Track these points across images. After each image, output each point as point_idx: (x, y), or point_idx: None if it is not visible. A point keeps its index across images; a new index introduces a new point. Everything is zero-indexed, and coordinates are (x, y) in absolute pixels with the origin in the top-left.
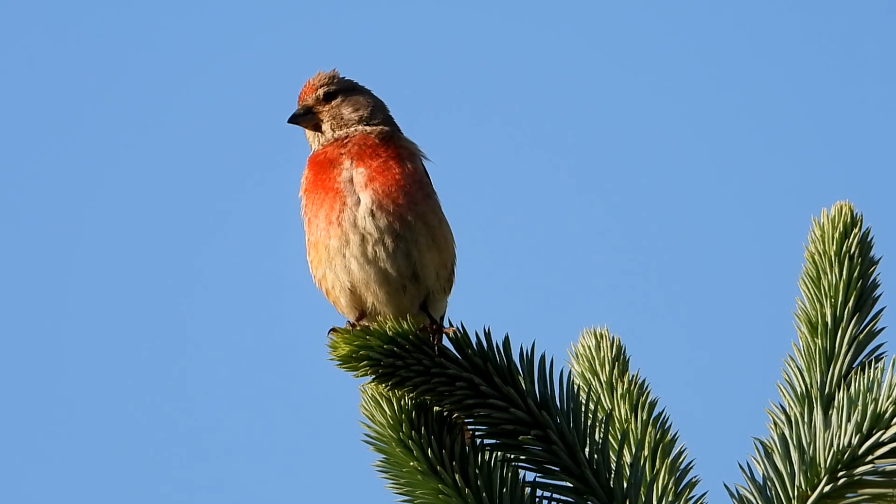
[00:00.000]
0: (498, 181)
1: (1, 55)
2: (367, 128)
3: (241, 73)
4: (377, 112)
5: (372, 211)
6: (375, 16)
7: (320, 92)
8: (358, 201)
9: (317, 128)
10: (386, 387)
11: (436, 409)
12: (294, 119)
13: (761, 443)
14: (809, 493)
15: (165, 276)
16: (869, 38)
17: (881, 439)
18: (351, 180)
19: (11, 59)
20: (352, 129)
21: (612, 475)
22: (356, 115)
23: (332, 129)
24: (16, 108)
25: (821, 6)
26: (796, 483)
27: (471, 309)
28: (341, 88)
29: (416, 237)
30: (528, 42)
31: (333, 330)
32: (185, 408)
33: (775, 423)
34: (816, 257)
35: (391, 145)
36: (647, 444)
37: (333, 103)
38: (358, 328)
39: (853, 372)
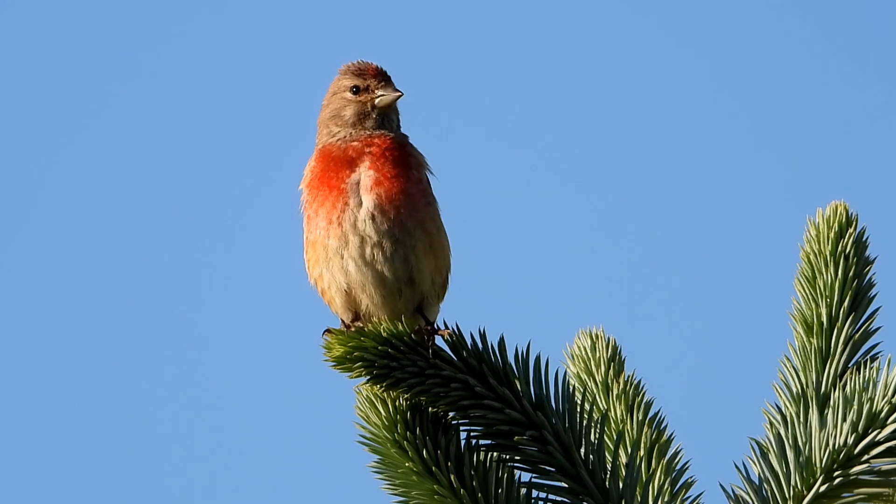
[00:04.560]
0: (494, 181)
1: (10, 58)
2: (391, 133)
3: (248, 76)
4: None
5: (373, 214)
6: (374, 20)
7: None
8: (360, 203)
9: (384, 110)
10: (381, 388)
11: (431, 410)
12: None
13: (757, 443)
14: (805, 492)
15: (164, 277)
16: (867, 39)
17: (877, 439)
18: (358, 182)
19: (20, 63)
20: (383, 129)
21: (608, 476)
22: (398, 119)
23: (385, 119)
24: (24, 112)
25: (819, 6)
26: (792, 483)
27: (466, 310)
28: None
29: (414, 243)
30: (517, 43)
31: (328, 331)
32: (182, 408)
33: (771, 423)
34: (812, 257)
35: (403, 152)
36: (642, 445)
37: None
38: (353, 329)
39: (849, 371)
